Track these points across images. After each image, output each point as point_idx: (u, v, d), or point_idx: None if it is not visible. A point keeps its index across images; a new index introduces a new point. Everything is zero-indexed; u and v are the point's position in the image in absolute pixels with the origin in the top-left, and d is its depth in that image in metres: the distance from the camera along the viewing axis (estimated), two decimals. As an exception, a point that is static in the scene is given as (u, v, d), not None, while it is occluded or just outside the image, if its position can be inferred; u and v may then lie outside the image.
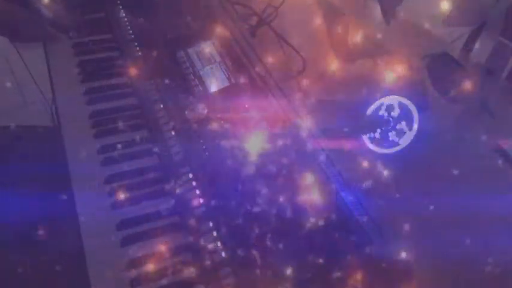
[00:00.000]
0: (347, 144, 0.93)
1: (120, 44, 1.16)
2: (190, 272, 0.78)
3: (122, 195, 0.86)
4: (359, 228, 0.80)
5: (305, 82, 1.05)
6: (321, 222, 0.80)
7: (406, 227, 0.82)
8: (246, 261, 0.77)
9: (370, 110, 0.96)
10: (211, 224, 0.82)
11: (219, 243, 0.80)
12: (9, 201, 0.96)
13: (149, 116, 1.00)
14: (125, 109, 1.03)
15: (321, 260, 0.76)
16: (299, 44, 1.09)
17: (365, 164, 0.91)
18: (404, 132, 0.96)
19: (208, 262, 0.78)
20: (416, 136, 0.96)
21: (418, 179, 0.92)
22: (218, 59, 1.06)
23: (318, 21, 1.18)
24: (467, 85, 1.07)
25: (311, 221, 0.80)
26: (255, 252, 0.77)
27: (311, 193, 0.83)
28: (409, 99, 0.95)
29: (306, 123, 0.93)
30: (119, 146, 0.95)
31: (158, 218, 0.85)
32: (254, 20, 1.16)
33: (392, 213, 0.82)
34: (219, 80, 1.02)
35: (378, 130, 0.94)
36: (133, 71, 1.09)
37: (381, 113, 0.95)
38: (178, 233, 0.83)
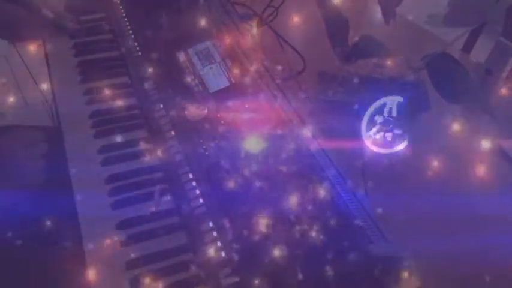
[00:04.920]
0: (347, 144, 0.94)
1: (120, 44, 1.16)
2: (190, 272, 0.78)
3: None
4: (359, 228, 0.80)
5: (305, 82, 1.05)
6: (321, 223, 0.80)
7: (406, 227, 0.82)
8: (246, 262, 0.77)
9: (370, 110, 0.96)
10: (211, 224, 0.82)
11: (219, 243, 0.80)
12: (9, 201, 0.96)
13: (149, 116, 1.00)
14: (125, 109, 1.03)
15: (320, 260, 0.76)
16: (299, 44, 1.09)
17: (365, 164, 0.91)
18: (404, 132, 0.96)
19: (208, 262, 0.78)
20: (416, 136, 0.96)
21: (418, 179, 0.92)
22: (218, 59, 1.06)
23: (318, 21, 1.18)
24: (467, 85, 1.07)
25: (311, 221, 0.80)
26: (255, 253, 0.77)
27: (311, 193, 0.83)
28: (409, 99, 0.95)
29: (306, 123, 0.93)
30: (119, 146, 0.95)
31: (158, 218, 0.85)
32: (254, 20, 1.16)
33: (392, 213, 0.82)
34: (219, 80, 1.02)
35: (378, 130, 0.94)
36: (133, 71, 1.09)
37: (381, 113, 0.95)
38: (178, 233, 0.83)
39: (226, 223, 0.81)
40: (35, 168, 1.03)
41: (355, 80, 1.08)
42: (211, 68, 1.05)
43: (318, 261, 0.76)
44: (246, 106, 0.96)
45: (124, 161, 0.93)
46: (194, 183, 0.88)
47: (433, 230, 0.83)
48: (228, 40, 1.09)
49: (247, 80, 1.01)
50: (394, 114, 0.95)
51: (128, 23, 1.19)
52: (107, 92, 1.06)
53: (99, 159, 0.93)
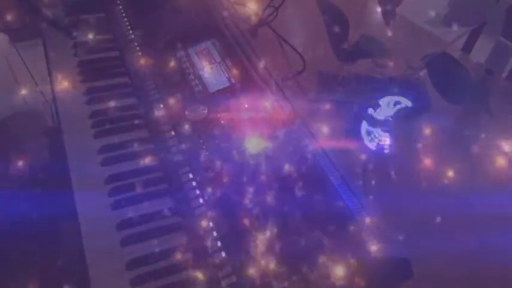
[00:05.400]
0: (347, 144, 0.93)
1: (120, 44, 1.16)
2: (190, 272, 0.78)
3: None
4: (359, 228, 0.80)
5: (305, 82, 1.05)
6: (321, 223, 0.80)
7: (406, 227, 0.82)
8: (246, 261, 0.77)
9: (370, 110, 0.96)
10: (211, 224, 0.82)
11: (219, 243, 0.80)
12: (9, 201, 0.96)
13: (149, 116, 1.00)
14: (125, 109, 1.03)
15: (321, 260, 0.76)
16: (299, 44, 1.09)
17: (365, 164, 0.91)
18: (404, 132, 0.96)
19: (208, 262, 0.78)
20: (416, 136, 0.96)
21: (418, 179, 0.92)
22: (218, 59, 1.06)
23: (318, 21, 1.18)
24: (467, 85, 1.07)
25: (311, 221, 0.80)
26: (255, 252, 0.77)
27: (311, 193, 0.83)
28: (409, 99, 0.95)
29: (306, 123, 0.93)
30: (119, 146, 0.95)
31: (158, 218, 0.85)
32: (254, 20, 1.16)
33: (392, 213, 0.82)
34: (219, 80, 1.02)
35: (378, 130, 0.94)
36: (133, 71, 1.08)
37: (381, 113, 0.95)
38: (178, 233, 0.83)
39: (226, 223, 0.81)
40: (35, 168, 1.03)
41: (355, 80, 1.08)
42: (211, 68, 1.05)
43: (318, 261, 0.76)
44: (246, 106, 0.96)
45: (124, 161, 0.93)
46: (194, 183, 0.88)
47: (433, 230, 0.83)
48: (228, 40, 1.09)
49: (247, 80, 1.01)
50: (394, 114, 0.95)
51: (127, 23, 1.19)
52: (107, 92, 1.05)
53: (99, 159, 0.93)
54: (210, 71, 1.04)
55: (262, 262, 0.76)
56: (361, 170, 0.90)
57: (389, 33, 1.19)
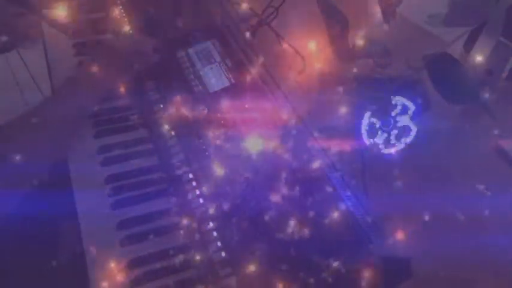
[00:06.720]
0: (347, 144, 0.94)
1: (120, 44, 1.16)
2: (190, 272, 0.78)
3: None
4: (359, 228, 0.80)
5: (305, 82, 1.05)
6: (321, 223, 0.80)
7: (406, 227, 0.82)
8: (246, 261, 0.77)
9: (370, 110, 0.96)
10: (211, 224, 0.82)
11: (219, 243, 0.80)
12: (9, 201, 0.96)
13: (149, 116, 1.00)
14: (125, 109, 1.03)
15: (320, 260, 0.76)
16: (299, 44, 1.09)
17: (365, 163, 0.91)
18: (405, 132, 0.96)
19: (208, 261, 0.78)
20: (416, 136, 0.96)
21: (418, 179, 0.92)
22: (218, 59, 1.06)
23: (318, 21, 1.18)
24: (467, 85, 1.07)
25: (311, 221, 0.80)
26: (254, 252, 0.77)
27: (311, 193, 0.83)
28: (409, 99, 0.95)
29: (306, 123, 0.93)
30: (119, 146, 0.95)
31: (158, 218, 0.85)
32: (254, 20, 1.16)
33: (392, 213, 0.82)
34: (219, 80, 1.02)
35: (378, 130, 0.94)
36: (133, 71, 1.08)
37: (381, 113, 0.95)
38: (178, 232, 0.83)
39: (227, 223, 0.81)
40: (35, 168, 1.03)
41: (355, 80, 1.08)
42: (211, 68, 1.05)
43: (318, 261, 0.76)
44: (246, 106, 0.96)
45: (124, 161, 0.93)
46: (194, 183, 0.88)
47: (432, 230, 0.83)
48: (228, 40, 1.09)
49: (247, 80, 1.01)
50: (394, 114, 0.95)
51: (127, 23, 1.18)
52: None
53: (99, 159, 0.93)
54: (210, 71, 1.04)
55: (262, 262, 0.76)
56: (361, 170, 0.90)
57: (390, 33, 1.19)
